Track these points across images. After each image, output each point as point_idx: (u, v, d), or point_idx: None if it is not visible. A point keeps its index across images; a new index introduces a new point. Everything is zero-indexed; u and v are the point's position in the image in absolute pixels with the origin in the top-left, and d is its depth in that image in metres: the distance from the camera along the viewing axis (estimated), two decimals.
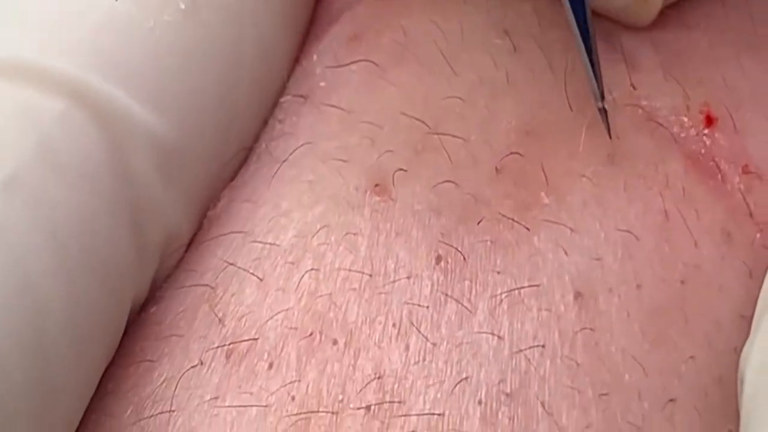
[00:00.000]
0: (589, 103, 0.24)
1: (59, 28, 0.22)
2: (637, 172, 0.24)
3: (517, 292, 0.22)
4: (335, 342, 0.22)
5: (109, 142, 0.21)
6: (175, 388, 0.22)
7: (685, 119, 0.24)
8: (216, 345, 0.22)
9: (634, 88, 0.25)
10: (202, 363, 0.22)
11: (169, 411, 0.22)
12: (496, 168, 0.24)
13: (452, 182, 0.24)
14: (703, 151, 0.24)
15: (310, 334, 0.22)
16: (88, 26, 0.22)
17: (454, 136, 0.24)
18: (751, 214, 0.23)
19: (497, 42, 0.25)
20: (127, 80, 0.22)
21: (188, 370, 0.22)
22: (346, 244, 0.23)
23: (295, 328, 0.22)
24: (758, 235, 0.23)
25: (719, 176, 0.24)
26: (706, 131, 0.24)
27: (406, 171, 0.24)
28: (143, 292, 0.23)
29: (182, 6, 0.23)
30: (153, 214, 0.22)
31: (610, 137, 0.23)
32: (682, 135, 0.24)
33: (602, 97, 0.23)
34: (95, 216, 0.21)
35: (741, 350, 0.21)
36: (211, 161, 0.24)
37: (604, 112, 0.23)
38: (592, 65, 0.23)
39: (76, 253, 0.21)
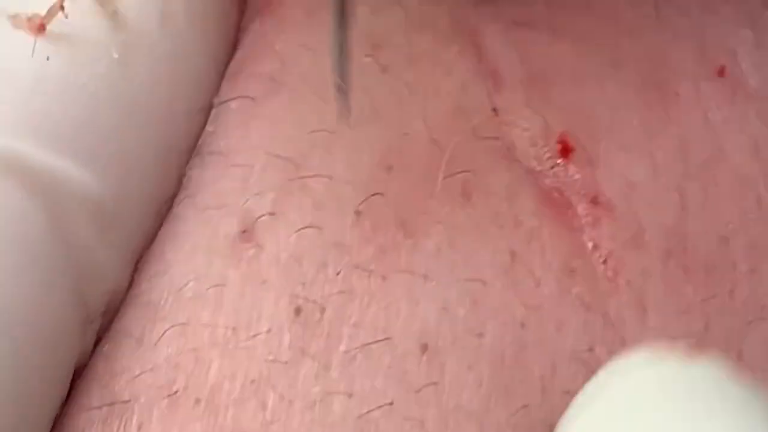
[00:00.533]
0: (450, 132, 0.24)
1: None
2: (490, 212, 0.24)
3: (369, 346, 0.23)
4: (197, 401, 0.23)
5: (45, 210, 0.21)
6: None
7: (543, 151, 0.25)
8: (95, 406, 0.23)
9: (495, 113, 0.24)
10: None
11: None
12: (356, 211, 0.24)
13: (315, 227, 0.24)
14: (556, 184, 0.25)
15: (175, 392, 0.23)
16: (17, 93, 0.21)
17: (319, 175, 0.24)
18: (596, 247, 0.24)
19: (366, 60, 0.25)
20: (61, 143, 0.21)
21: None
22: (213, 297, 0.24)
23: (161, 387, 0.23)
24: (602, 268, 0.24)
25: (569, 211, 0.24)
26: (560, 162, 0.25)
27: (273, 215, 0.24)
28: (87, 351, 0.23)
29: (115, 55, 0.22)
30: (95, 277, 0.22)
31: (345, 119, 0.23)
32: (538, 168, 0.25)
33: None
34: (34, 286, 0.21)
35: (573, 393, 0.22)
36: (148, 214, 0.24)
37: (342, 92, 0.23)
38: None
39: (17, 324, 0.20)
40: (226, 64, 0.26)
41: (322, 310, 0.23)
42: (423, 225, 0.24)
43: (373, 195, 0.24)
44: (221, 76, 0.26)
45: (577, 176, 0.24)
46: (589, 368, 0.23)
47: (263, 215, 0.24)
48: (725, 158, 0.25)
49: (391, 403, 0.23)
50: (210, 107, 0.25)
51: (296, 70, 0.25)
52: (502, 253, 0.24)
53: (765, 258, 0.24)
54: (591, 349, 0.23)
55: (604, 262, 0.24)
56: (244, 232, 0.24)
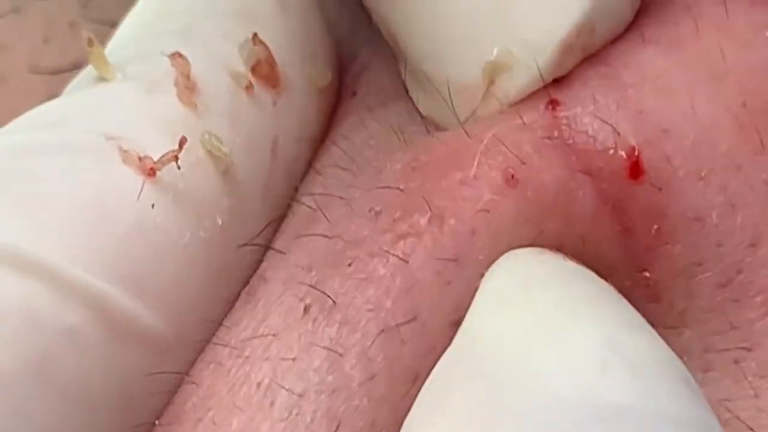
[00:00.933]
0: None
1: (84, 233, 0.20)
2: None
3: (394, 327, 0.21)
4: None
5: (114, 357, 0.20)
6: None
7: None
8: None
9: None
10: None
11: None
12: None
13: (325, 236, 0.22)
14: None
15: None
16: (116, 235, 0.20)
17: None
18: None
19: None
20: (148, 296, 0.20)
21: None
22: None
23: None
24: None
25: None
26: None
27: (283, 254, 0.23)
28: None
29: (219, 221, 0.21)
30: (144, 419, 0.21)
31: None
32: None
33: None
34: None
35: None
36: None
37: None
38: None
39: None
40: None
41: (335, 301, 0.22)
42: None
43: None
44: None
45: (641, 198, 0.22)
46: None
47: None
48: None
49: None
50: None
51: None
52: None
53: None
54: None
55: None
56: None
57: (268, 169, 0.23)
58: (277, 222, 0.23)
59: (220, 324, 0.22)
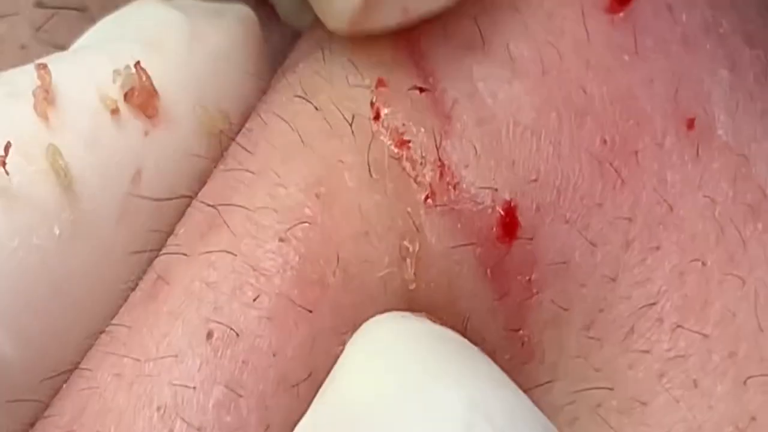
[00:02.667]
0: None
1: None
2: None
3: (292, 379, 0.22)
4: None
5: None
6: None
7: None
8: None
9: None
10: None
11: None
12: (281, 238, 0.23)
13: (231, 253, 0.23)
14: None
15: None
16: None
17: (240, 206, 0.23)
18: None
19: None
20: None
21: None
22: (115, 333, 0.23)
23: None
24: None
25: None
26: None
27: (186, 256, 0.23)
28: None
29: (57, 231, 0.21)
30: None
31: None
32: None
33: None
34: None
35: None
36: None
37: None
38: None
39: None
40: None
41: (238, 335, 0.22)
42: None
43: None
44: None
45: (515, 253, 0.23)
46: None
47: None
48: (674, 218, 0.23)
49: None
50: None
51: None
52: None
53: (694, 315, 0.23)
54: None
55: None
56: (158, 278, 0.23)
57: (124, 196, 0.23)
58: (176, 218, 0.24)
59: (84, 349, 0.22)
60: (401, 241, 0.22)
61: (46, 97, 0.22)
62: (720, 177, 0.24)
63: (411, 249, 0.22)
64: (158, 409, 0.22)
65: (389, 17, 0.23)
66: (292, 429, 0.21)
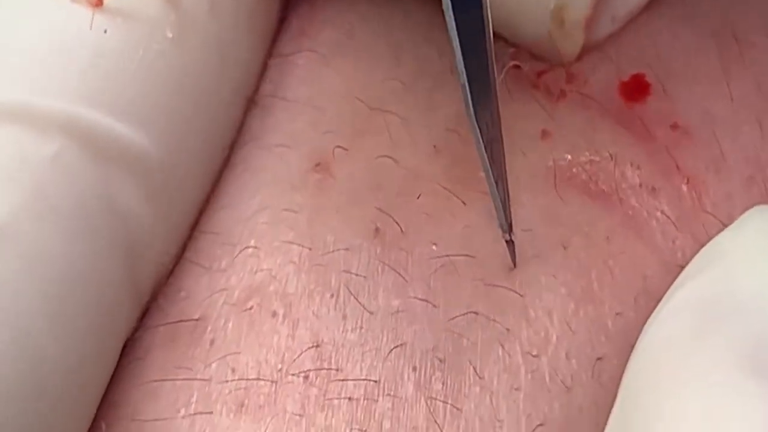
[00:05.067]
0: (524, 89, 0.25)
1: (49, 67, 0.22)
2: (567, 143, 0.25)
3: (451, 262, 0.23)
4: (274, 314, 0.23)
5: (102, 177, 0.22)
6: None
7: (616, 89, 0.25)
8: (161, 324, 0.24)
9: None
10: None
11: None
12: (435, 146, 0.24)
13: (391, 158, 0.24)
14: (633, 116, 0.25)
15: (250, 308, 0.23)
16: (77, 62, 0.22)
17: (394, 113, 0.25)
18: (678, 168, 0.24)
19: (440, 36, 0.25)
20: (118, 110, 0.22)
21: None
22: (286, 222, 0.24)
23: (234, 304, 0.24)
24: (684, 187, 0.24)
25: (648, 137, 0.25)
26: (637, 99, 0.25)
27: (346, 150, 0.24)
28: (134, 323, 0.24)
29: (169, 35, 0.23)
30: (146, 249, 0.23)
31: (515, 266, 0.23)
32: (614, 105, 0.25)
33: (510, 229, 0.23)
34: (90, 262, 0.21)
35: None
36: (198, 178, 0.25)
37: (511, 244, 0.23)
38: (501, 195, 0.23)
39: (72, 301, 0.21)
40: (271, 35, 0.27)
41: (403, 230, 0.24)
42: None
43: (449, 130, 0.24)
44: (263, 64, 0.27)
45: (654, 105, 0.25)
46: None
47: (336, 148, 0.24)
48: None
49: (475, 312, 0.23)
50: (258, 72, 0.26)
51: (367, 33, 0.26)
52: (580, 178, 0.24)
53: None
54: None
55: (687, 182, 0.24)
56: (317, 165, 0.24)
57: None
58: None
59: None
60: None
61: None
62: None
63: None
64: (332, 296, 0.23)
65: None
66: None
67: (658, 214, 0.24)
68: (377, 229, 0.24)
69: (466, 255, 0.23)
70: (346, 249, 0.23)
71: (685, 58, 0.25)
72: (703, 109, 0.25)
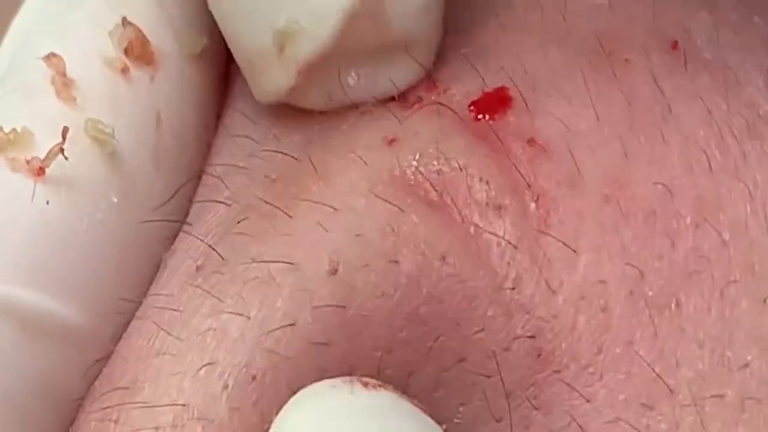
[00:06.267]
0: None
1: None
2: (415, 151, 0.23)
3: (269, 272, 0.22)
4: None
5: (38, 357, 0.21)
6: None
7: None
8: None
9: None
10: None
11: None
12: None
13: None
14: (490, 128, 0.23)
15: None
16: (16, 238, 0.21)
17: None
18: (528, 185, 0.23)
19: None
20: (55, 285, 0.21)
21: None
22: None
23: None
24: (532, 205, 0.23)
25: (502, 150, 0.23)
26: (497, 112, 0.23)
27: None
28: None
29: (114, 199, 0.22)
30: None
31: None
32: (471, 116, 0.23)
33: None
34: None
35: None
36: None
37: None
38: None
39: None
40: None
41: (223, 257, 0.23)
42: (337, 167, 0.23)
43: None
44: None
45: (512, 119, 0.23)
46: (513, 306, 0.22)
47: None
48: (674, 120, 0.23)
49: (292, 324, 0.21)
50: None
51: None
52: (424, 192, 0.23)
53: (712, 213, 0.22)
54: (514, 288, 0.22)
55: (536, 200, 0.22)
56: None
57: (154, 143, 0.24)
58: (191, 191, 0.25)
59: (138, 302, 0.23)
60: None
61: (65, 82, 0.23)
62: (711, 90, 0.24)
63: None
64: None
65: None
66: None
67: (501, 232, 0.22)
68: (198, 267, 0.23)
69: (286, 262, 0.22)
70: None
71: (553, 75, 0.24)
72: (565, 126, 0.23)
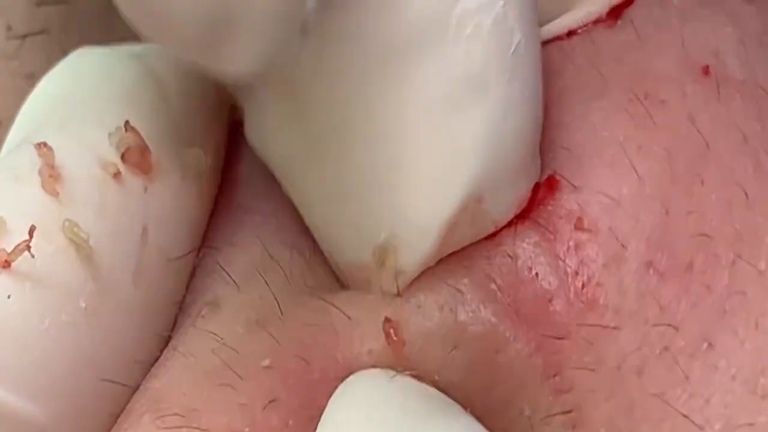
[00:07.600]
0: None
1: None
2: None
3: None
4: None
5: None
6: None
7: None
8: None
9: None
10: None
11: None
12: None
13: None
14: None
15: None
16: None
17: None
18: (576, 273, 0.23)
19: None
20: (9, 380, 0.21)
21: None
22: None
23: None
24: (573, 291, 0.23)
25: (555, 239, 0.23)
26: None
27: None
28: None
29: (83, 305, 0.22)
30: None
31: None
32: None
33: None
34: None
35: None
36: None
37: None
38: None
39: None
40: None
41: None
42: None
43: None
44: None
45: (562, 203, 0.23)
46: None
47: None
48: (713, 155, 0.23)
49: None
50: None
51: None
52: None
53: (748, 246, 0.23)
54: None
55: (583, 286, 0.23)
56: None
57: (137, 255, 0.23)
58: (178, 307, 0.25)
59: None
60: None
61: (52, 174, 0.22)
62: (745, 114, 0.24)
63: None
64: None
65: None
66: None
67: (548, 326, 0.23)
68: None
69: None
70: None
71: (594, 139, 0.24)
72: (608, 198, 0.23)
